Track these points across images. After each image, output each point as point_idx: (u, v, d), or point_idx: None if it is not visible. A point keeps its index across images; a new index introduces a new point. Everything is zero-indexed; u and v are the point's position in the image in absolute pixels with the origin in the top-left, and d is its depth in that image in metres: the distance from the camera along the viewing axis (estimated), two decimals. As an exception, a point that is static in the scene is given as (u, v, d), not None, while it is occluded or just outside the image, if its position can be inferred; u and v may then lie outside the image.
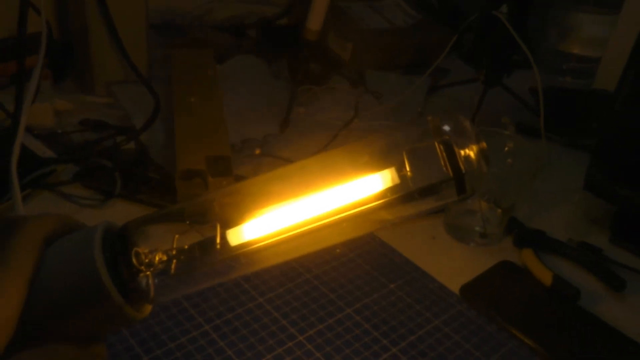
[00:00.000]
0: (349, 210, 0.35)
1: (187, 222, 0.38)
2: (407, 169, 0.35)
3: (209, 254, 0.36)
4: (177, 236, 0.36)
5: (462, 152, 0.34)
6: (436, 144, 0.34)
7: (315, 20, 0.94)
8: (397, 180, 0.35)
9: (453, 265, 0.69)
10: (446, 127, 0.35)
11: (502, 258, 0.70)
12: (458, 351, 0.57)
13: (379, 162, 0.36)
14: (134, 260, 0.34)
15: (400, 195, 0.35)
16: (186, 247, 0.36)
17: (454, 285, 0.65)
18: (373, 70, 1.14)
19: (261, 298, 0.61)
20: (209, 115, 0.80)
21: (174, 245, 0.36)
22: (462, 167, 0.34)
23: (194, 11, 1.17)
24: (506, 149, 0.74)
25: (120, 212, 0.70)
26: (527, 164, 0.73)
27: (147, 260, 0.35)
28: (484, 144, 0.34)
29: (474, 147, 0.34)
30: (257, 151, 0.83)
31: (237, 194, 0.39)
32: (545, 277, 0.66)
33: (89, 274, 0.33)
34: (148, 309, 0.37)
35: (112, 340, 0.55)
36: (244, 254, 0.36)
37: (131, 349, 0.54)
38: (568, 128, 1.00)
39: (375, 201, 0.35)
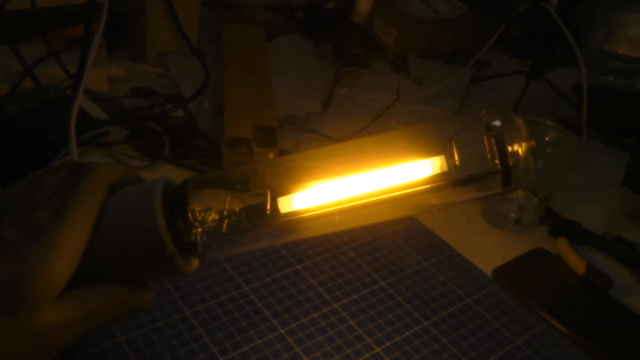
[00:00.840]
0: (397, 191, 0.37)
1: (238, 187, 0.40)
2: (456, 158, 0.37)
3: (259, 218, 0.38)
4: (228, 198, 0.38)
5: (511, 148, 0.36)
6: (486, 137, 0.36)
7: (364, 3, 0.96)
8: (445, 168, 0.37)
9: (486, 249, 0.70)
10: (498, 122, 0.36)
11: (536, 245, 0.71)
12: (488, 329, 0.59)
13: (431, 148, 0.38)
14: (189, 215, 0.37)
15: (447, 182, 0.37)
16: (237, 209, 0.38)
17: (487, 267, 0.67)
18: (416, 57, 1.15)
19: (299, 265, 0.63)
20: (257, 88, 0.82)
21: (226, 207, 0.38)
22: (509, 161, 0.35)
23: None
24: (547, 138, 0.75)
25: (168, 175, 0.72)
26: (567, 155, 0.74)
27: (200, 218, 0.37)
28: (534, 143, 0.36)
29: (524, 144, 0.36)
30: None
31: (290, 165, 0.41)
32: (578, 266, 0.66)
33: (148, 223, 0.35)
34: (196, 263, 0.39)
35: (157, 292, 0.57)
36: (293, 221, 0.38)
37: (174, 301, 0.57)
38: (609, 126, 1.00)
39: (422, 185, 0.37)
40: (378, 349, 0.55)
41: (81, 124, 0.71)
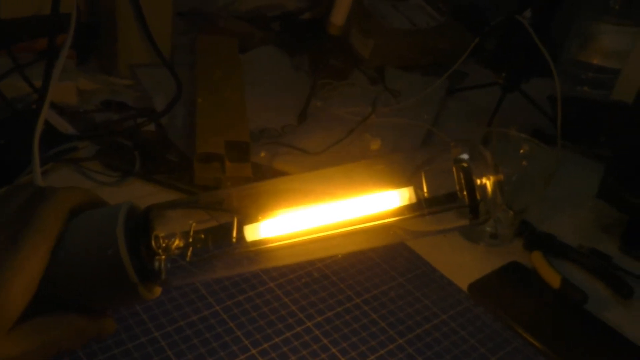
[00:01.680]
0: (365, 222, 0.36)
1: (207, 212, 0.39)
2: (425, 189, 0.37)
3: (225, 246, 0.37)
4: (193, 224, 0.37)
5: (479, 181, 0.35)
6: (455, 169, 0.36)
7: (339, 16, 0.95)
8: (414, 199, 0.37)
9: (462, 264, 0.70)
10: (466, 155, 0.36)
11: (511, 259, 0.71)
12: (463, 346, 0.58)
13: (399, 180, 0.37)
14: (153, 243, 0.36)
15: (415, 214, 0.36)
16: (202, 235, 0.37)
17: (463, 282, 0.66)
18: (392, 69, 1.14)
19: (272, 283, 0.62)
20: (230, 102, 0.81)
21: (191, 233, 0.37)
22: (477, 195, 0.35)
23: (220, 1, 1.18)
24: (521, 151, 0.74)
25: (138, 191, 0.71)
26: (541, 167, 0.74)
27: (164, 245, 0.36)
28: (501, 176, 0.36)
29: (492, 178, 0.35)
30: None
31: (257, 191, 0.40)
32: (553, 279, 0.66)
33: (110, 250, 0.34)
34: (159, 290, 0.39)
35: (124, 314, 0.56)
36: (259, 250, 0.37)
37: (143, 322, 0.55)
38: (583, 137, 1.00)
39: (391, 217, 0.36)
40: (352, 369, 0.54)
41: (49, 139, 0.69)
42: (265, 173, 0.78)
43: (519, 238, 0.74)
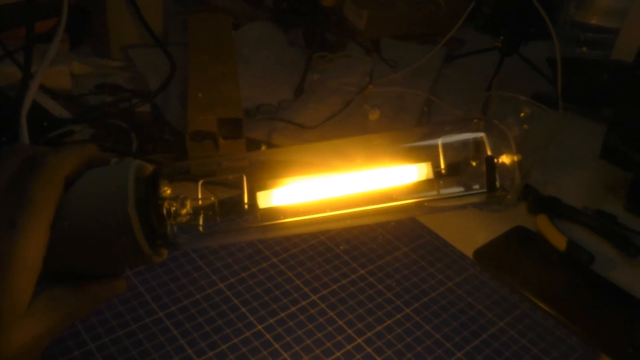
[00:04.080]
0: (383, 196, 0.36)
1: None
2: (442, 165, 0.36)
3: (237, 214, 0.36)
4: (201, 181, 0.36)
5: (499, 160, 0.35)
6: (474, 146, 0.35)
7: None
8: (431, 175, 0.36)
9: (466, 230, 0.69)
10: (486, 133, 0.36)
11: (516, 224, 0.70)
12: (471, 312, 0.58)
13: (417, 154, 0.37)
14: (164, 209, 0.34)
15: (433, 198, 0.36)
16: (213, 199, 0.36)
17: (468, 249, 0.65)
18: (388, 39, 1.13)
19: (275, 258, 0.62)
20: (222, 79, 0.80)
21: (199, 196, 0.36)
22: (497, 184, 0.35)
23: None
24: (522, 114, 0.73)
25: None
26: (543, 130, 0.73)
27: (173, 210, 0.35)
28: (521, 156, 0.35)
29: (511, 157, 0.35)
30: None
31: (267, 159, 0.39)
32: (559, 242, 0.65)
33: (119, 218, 0.33)
34: (165, 253, 0.37)
35: (128, 296, 0.55)
36: (271, 218, 0.36)
37: (147, 303, 0.55)
38: (584, 98, 0.99)
39: (409, 193, 0.36)
40: (359, 340, 0.54)
41: (43, 124, 0.68)
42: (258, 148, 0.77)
43: (523, 202, 0.74)
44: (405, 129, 0.40)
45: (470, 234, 0.68)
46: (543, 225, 0.68)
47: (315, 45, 1.02)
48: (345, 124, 0.85)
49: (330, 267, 0.61)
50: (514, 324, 0.57)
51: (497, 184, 0.34)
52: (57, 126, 0.70)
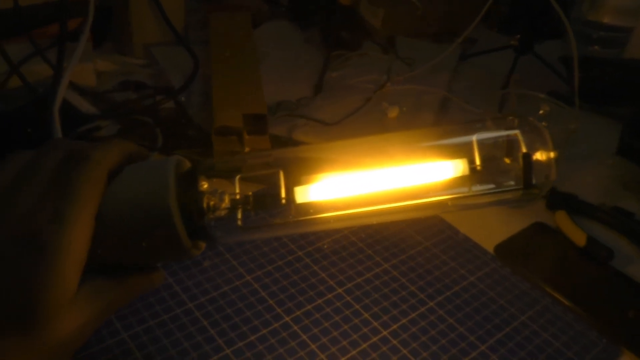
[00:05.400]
0: (420, 192, 0.37)
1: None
2: (477, 162, 0.37)
3: (273, 207, 0.37)
4: (238, 176, 0.37)
5: (535, 157, 0.35)
6: (509, 143, 0.36)
7: (350, -16, 0.95)
8: (466, 171, 0.37)
9: (486, 226, 0.70)
10: (521, 130, 0.36)
11: (535, 220, 0.71)
12: (493, 306, 0.59)
13: (453, 150, 0.38)
14: (204, 204, 0.35)
15: (468, 195, 0.37)
16: (250, 194, 0.36)
17: (488, 244, 0.66)
18: (403, 38, 1.14)
19: (300, 251, 0.63)
20: (245, 76, 0.81)
21: (237, 190, 0.36)
22: (533, 180, 0.35)
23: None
24: (541, 112, 0.74)
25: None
26: (561, 127, 0.74)
27: (212, 203, 0.36)
28: (557, 153, 0.36)
29: (547, 153, 0.36)
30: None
31: (307, 155, 0.40)
32: (578, 238, 0.66)
33: (160, 212, 0.34)
34: (203, 246, 0.38)
35: (159, 289, 0.57)
36: (305, 213, 0.37)
37: (176, 294, 0.56)
38: (599, 97, 1.00)
39: (444, 189, 0.37)
40: (385, 332, 0.55)
41: (70, 120, 0.70)
42: (285, 145, 0.78)
43: (541, 199, 0.75)
44: (437, 126, 0.41)
45: (490, 229, 0.69)
46: (562, 221, 0.69)
47: (332, 43, 1.04)
48: (364, 121, 0.86)
49: (354, 260, 0.62)
50: (535, 318, 0.58)
51: (534, 180, 0.35)
52: (84, 122, 0.72)
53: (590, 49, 1.23)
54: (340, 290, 0.59)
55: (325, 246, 0.63)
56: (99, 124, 0.72)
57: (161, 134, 0.74)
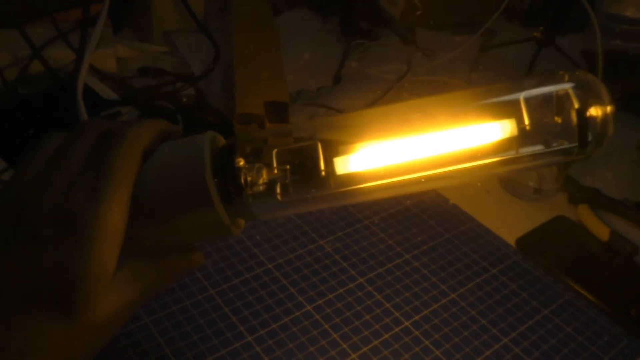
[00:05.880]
0: (462, 156, 0.35)
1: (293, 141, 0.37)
2: (526, 121, 0.35)
3: (315, 181, 0.35)
4: (275, 150, 0.35)
5: (589, 113, 0.34)
6: (559, 99, 0.34)
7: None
8: (515, 132, 0.35)
9: (508, 219, 0.70)
10: (574, 84, 0.35)
11: (556, 214, 0.70)
12: (515, 299, 0.58)
13: (499, 111, 0.36)
14: (240, 176, 0.34)
15: (519, 156, 0.35)
16: (288, 167, 0.35)
17: (510, 238, 0.66)
18: (423, 29, 1.13)
19: (321, 240, 0.63)
20: (267, 64, 0.81)
21: (275, 164, 0.35)
22: (588, 136, 0.34)
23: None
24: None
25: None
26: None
27: (250, 178, 0.35)
28: (613, 107, 0.34)
29: (605, 109, 0.34)
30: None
31: (344, 124, 0.39)
32: (602, 232, 0.66)
33: (197, 182, 0.33)
34: (242, 224, 0.37)
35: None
36: (345, 184, 0.36)
37: (198, 281, 0.56)
38: (621, 91, 0.99)
39: (490, 149, 0.35)
40: (407, 323, 0.54)
41: (91, 105, 0.70)
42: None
43: (562, 193, 0.74)
44: (482, 86, 0.38)
45: (511, 223, 0.68)
46: (585, 215, 0.69)
47: (352, 33, 1.03)
48: (385, 111, 0.85)
49: (376, 250, 0.62)
50: (558, 312, 0.57)
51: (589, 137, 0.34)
52: (105, 107, 0.72)
53: (613, 42, 1.22)
54: (361, 280, 0.58)
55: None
56: (119, 109, 0.72)
57: (182, 120, 0.74)
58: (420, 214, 0.68)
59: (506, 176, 0.74)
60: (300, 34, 1.03)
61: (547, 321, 0.56)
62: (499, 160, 0.35)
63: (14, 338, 0.29)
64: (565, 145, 0.34)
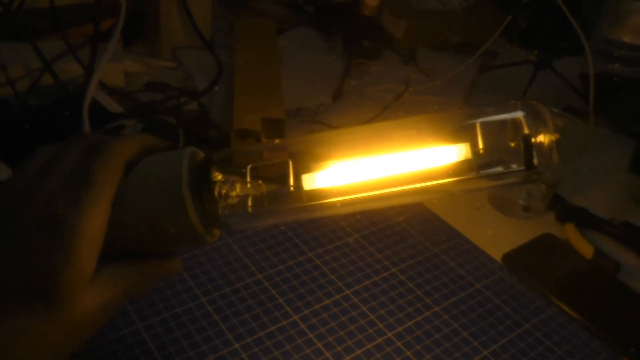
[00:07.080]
0: (423, 177, 0.37)
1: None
2: (480, 145, 0.38)
3: (282, 194, 0.38)
4: (249, 165, 0.38)
5: (535, 139, 0.36)
6: (512, 126, 0.37)
7: (373, -4, 0.97)
8: (469, 155, 0.37)
9: (496, 235, 0.71)
10: (524, 112, 0.37)
11: (544, 231, 0.72)
12: (498, 313, 0.60)
13: (454, 135, 0.38)
14: (215, 192, 0.37)
15: (475, 176, 0.37)
16: (260, 182, 0.38)
17: (496, 253, 0.68)
18: (424, 49, 1.15)
19: (311, 253, 0.65)
20: (267, 81, 0.83)
21: (248, 179, 0.38)
22: (535, 162, 0.36)
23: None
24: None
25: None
26: (574, 142, 0.75)
27: (224, 191, 0.38)
28: (558, 135, 0.36)
29: (549, 136, 0.36)
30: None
31: (312, 143, 0.41)
32: (586, 250, 0.68)
33: (175, 202, 0.35)
34: (217, 233, 0.40)
35: (173, 281, 0.59)
36: (315, 199, 0.38)
37: (190, 289, 0.58)
38: (615, 114, 1.00)
39: (448, 173, 0.37)
40: (390, 334, 0.56)
41: (97, 118, 0.73)
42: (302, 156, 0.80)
43: (551, 211, 0.76)
44: (442, 112, 0.41)
45: (498, 239, 0.70)
46: (571, 233, 0.70)
47: (353, 52, 1.06)
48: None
49: (364, 264, 0.64)
50: (539, 326, 0.59)
51: (535, 161, 0.36)
52: (110, 120, 0.75)
53: (611, 67, 1.24)
54: (348, 292, 0.60)
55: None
56: (124, 122, 0.75)
57: (183, 134, 0.76)
58: (409, 229, 0.70)
59: (495, 194, 0.77)
60: (303, 51, 1.06)
61: (528, 335, 0.58)
62: (454, 180, 0.37)
63: None
64: (515, 168, 0.36)
